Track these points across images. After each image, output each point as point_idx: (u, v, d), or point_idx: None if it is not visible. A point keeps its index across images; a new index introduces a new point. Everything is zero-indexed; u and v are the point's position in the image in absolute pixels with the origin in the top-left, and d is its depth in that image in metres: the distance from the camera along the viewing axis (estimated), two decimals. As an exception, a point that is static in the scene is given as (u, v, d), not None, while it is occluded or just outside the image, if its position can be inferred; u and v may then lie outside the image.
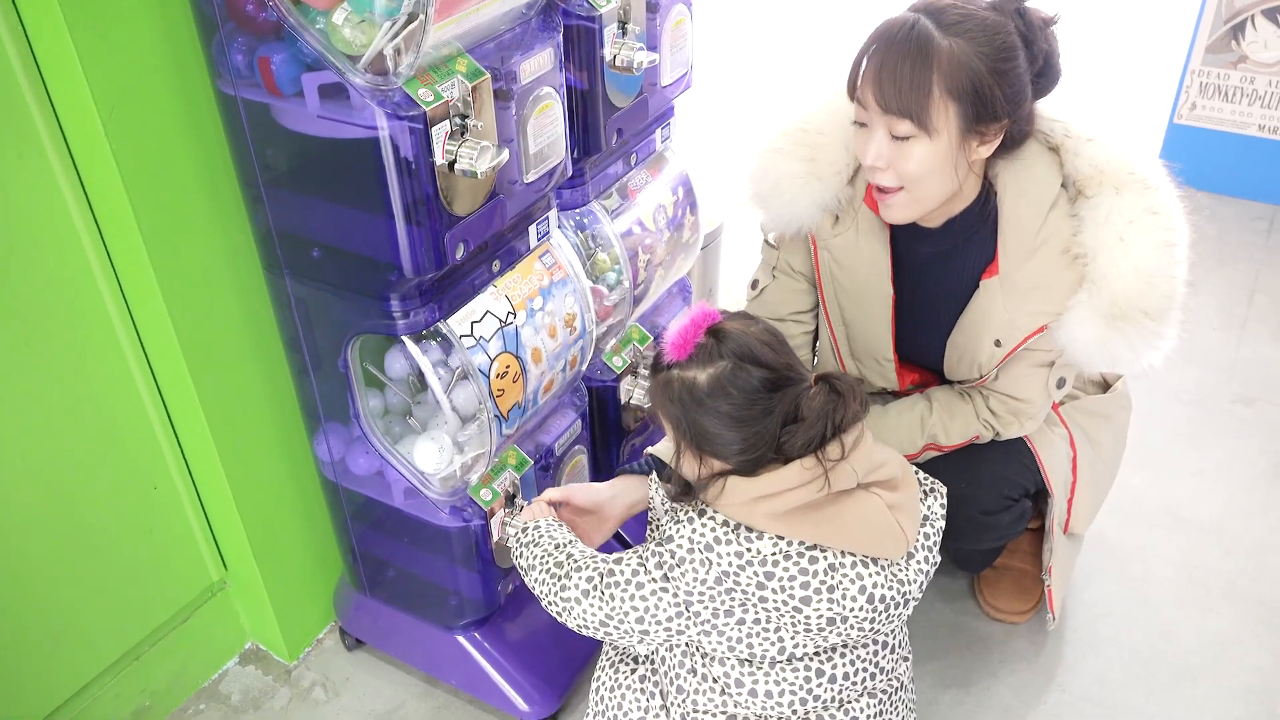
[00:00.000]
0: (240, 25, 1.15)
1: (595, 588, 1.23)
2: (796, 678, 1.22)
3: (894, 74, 1.27)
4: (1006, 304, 1.42)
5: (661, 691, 1.31)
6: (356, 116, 1.12)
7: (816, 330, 1.67)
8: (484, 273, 1.35)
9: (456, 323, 1.30)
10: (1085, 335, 1.37)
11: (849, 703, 1.26)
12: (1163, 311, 1.34)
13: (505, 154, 1.20)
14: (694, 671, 1.25)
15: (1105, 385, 1.73)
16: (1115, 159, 1.36)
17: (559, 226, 1.50)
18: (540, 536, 1.32)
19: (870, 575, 1.17)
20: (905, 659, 1.33)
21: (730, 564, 1.15)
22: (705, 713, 1.26)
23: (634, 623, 1.21)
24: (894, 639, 1.28)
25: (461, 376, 1.35)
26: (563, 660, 1.62)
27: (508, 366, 1.36)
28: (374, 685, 1.71)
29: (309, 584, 1.74)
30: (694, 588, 1.17)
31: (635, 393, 1.73)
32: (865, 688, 1.26)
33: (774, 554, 1.15)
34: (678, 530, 1.18)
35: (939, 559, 1.26)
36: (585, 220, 1.59)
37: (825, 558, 1.16)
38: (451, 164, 1.16)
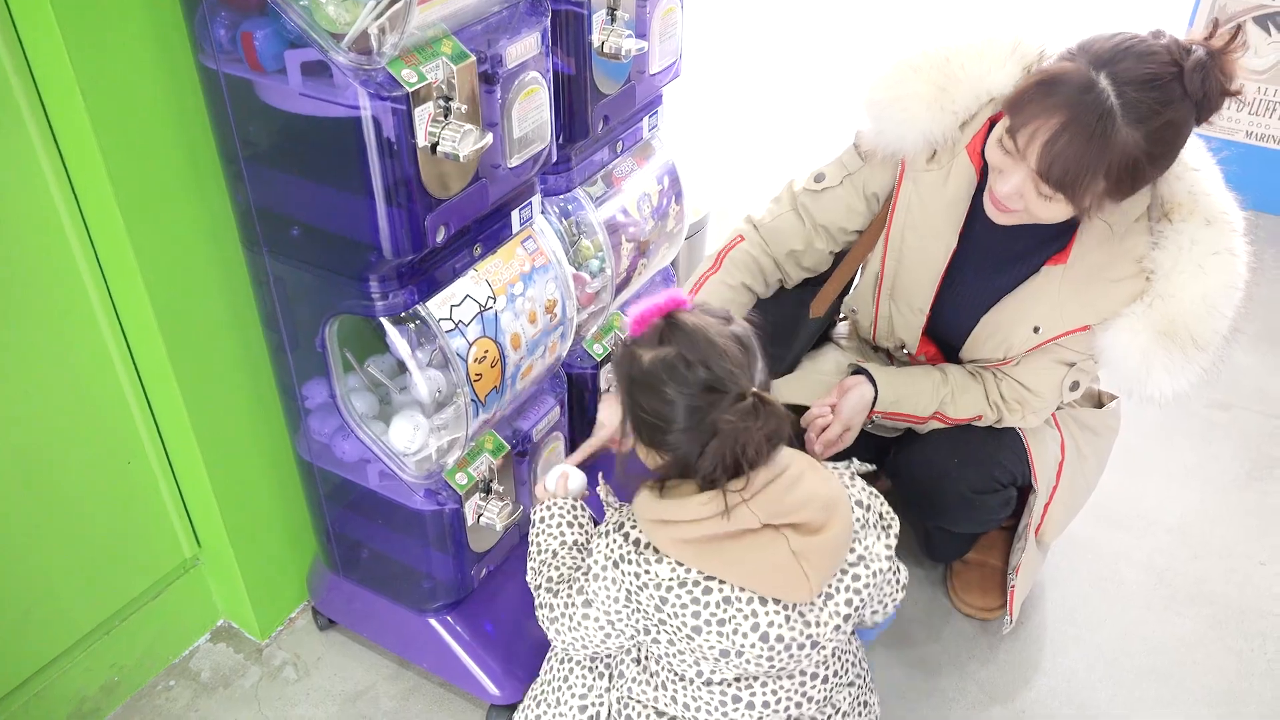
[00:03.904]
0: (224, -1, 1.14)
1: (552, 624, 1.27)
2: (713, 700, 1.21)
3: (1065, 156, 1.24)
4: (1062, 293, 1.45)
5: (612, 674, 1.32)
6: (339, 95, 1.11)
7: (836, 257, 1.67)
8: (465, 256, 1.35)
9: (435, 306, 1.30)
10: (1131, 345, 1.40)
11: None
12: (1208, 345, 1.38)
13: (488, 138, 1.19)
14: (636, 661, 1.26)
15: (1098, 402, 1.75)
16: (1214, 194, 1.39)
17: (542, 212, 1.50)
18: (534, 544, 1.34)
19: (768, 614, 1.13)
20: (851, 684, 1.29)
21: (631, 584, 1.16)
22: (638, 702, 1.26)
23: (588, 648, 1.25)
24: (824, 670, 1.24)
25: (440, 360, 1.34)
26: (534, 645, 1.62)
27: (486, 351, 1.35)
28: (345, 666, 1.71)
29: (282, 563, 1.73)
30: (610, 607, 1.19)
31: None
32: (790, 715, 1.23)
33: (670, 579, 1.13)
34: (596, 544, 1.19)
35: (899, 593, 1.28)
36: (569, 207, 1.58)
37: (720, 590, 1.13)
38: (434, 146, 1.16)
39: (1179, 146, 1.30)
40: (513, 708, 1.59)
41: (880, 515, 1.24)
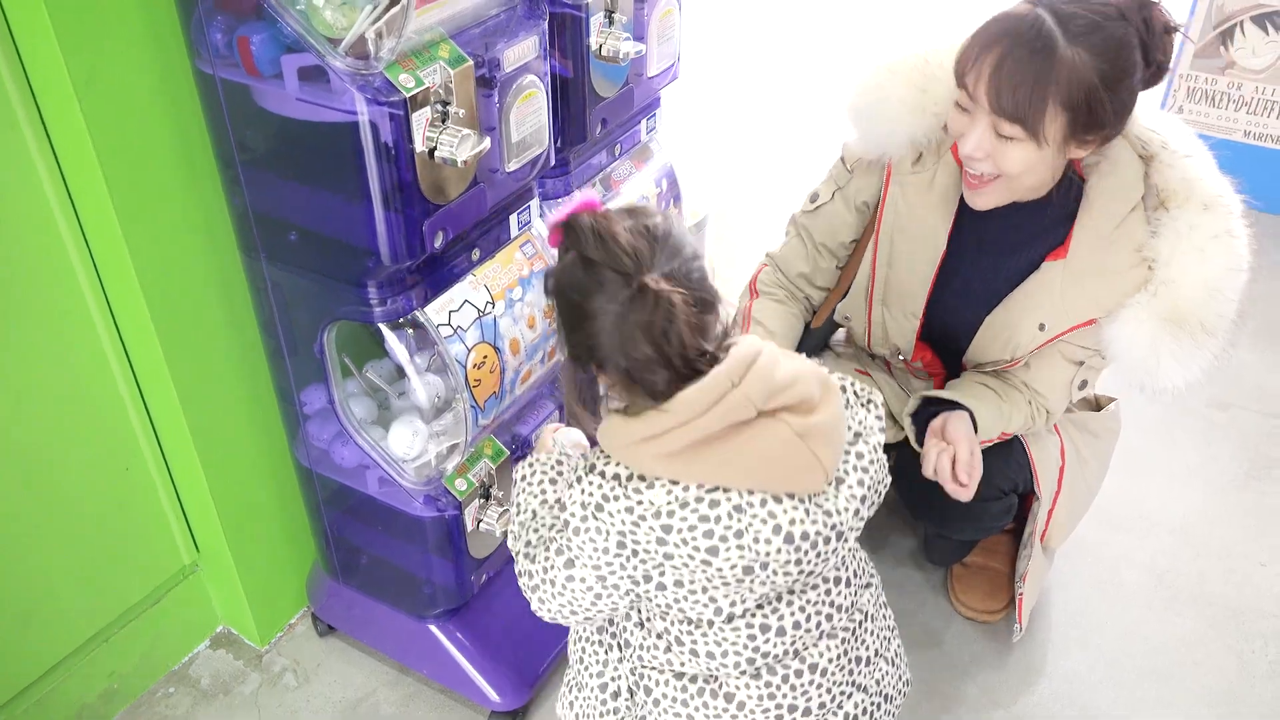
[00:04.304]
0: (220, 4, 1.13)
1: (534, 593, 1.16)
2: (739, 637, 1.10)
3: (1012, 78, 1.25)
4: (1065, 288, 1.44)
5: (620, 644, 1.23)
6: (336, 100, 1.11)
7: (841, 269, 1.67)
8: (463, 261, 1.34)
9: (434, 311, 1.30)
10: (1137, 335, 1.39)
11: (806, 649, 1.14)
12: (1216, 330, 1.36)
13: (486, 142, 1.19)
14: (640, 625, 1.16)
15: (1097, 406, 1.75)
16: (1208, 179, 1.38)
17: (540, 215, 1.49)
18: (514, 505, 1.24)
19: (785, 512, 1.03)
20: (867, 585, 1.21)
21: (623, 522, 1.03)
22: (651, 668, 1.16)
23: (577, 614, 1.14)
24: (845, 571, 1.15)
25: (439, 364, 1.34)
26: (534, 652, 1.62)
27: (485, 357, 1.35)
28: (345, 672, 1.71)
29: (282, 569, 1.73)
30: (599, 561, 1.06)
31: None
32: (823, 630, 1.14)
33: (668, 503, 1.01)
34: (570, 495, 1.07)
35: (887, 477, 1.15)
36: (568, 210, 1.58)
37: (729, 499, 1.02)
38: (432, 151, 1.15)
39: (1131, 69, 1.28)
40: (514, 714, 1.59)
41: (856, 392, 1.15)
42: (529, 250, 1.44)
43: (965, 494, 1.44)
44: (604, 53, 1.42)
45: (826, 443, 1.03)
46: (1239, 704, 1.69)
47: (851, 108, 1.51)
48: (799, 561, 1.05)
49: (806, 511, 1.04)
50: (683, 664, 1.13)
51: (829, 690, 1.16)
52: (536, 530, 1.19)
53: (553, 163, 1.41)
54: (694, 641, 1.11)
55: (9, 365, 1.33)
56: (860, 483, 1.08)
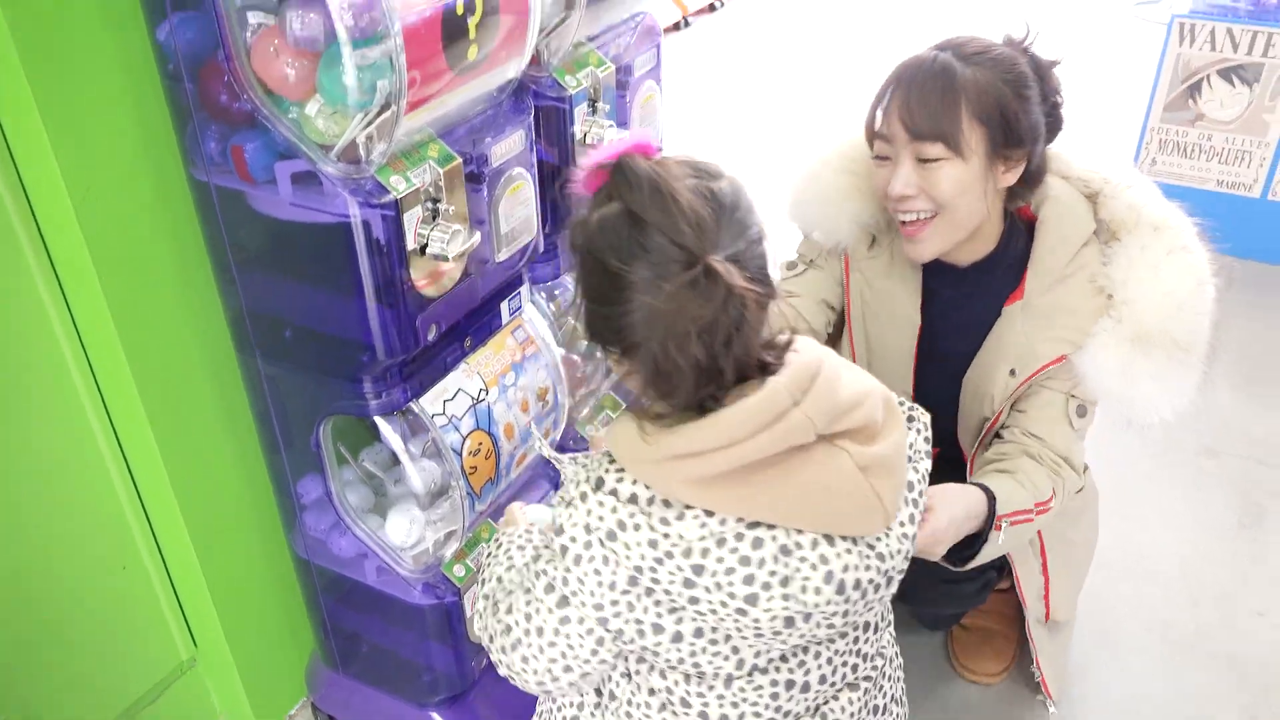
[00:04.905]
0: (213, 115, 1.16)
1: (514, 651, 0.96)
2: (760, 696, 0.93)
3: (922, 100, 1.31)
4: (1026, 329, 1.42)
5: (602, 691, 1.05)
6: (329, 204, 1.13)
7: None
8: (456, 350, 1.36)
9: (429, 402, 1.31)
10: (1108, 362, 1.36)
11: (827, 703, 0.99)
12: (1189, 345, 1.33)
13: (477, 237, 1.21)
14: (627, 677, 0.98)
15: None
16: (1153, 204, 1.39)
17: (531, 299, 1.51)
18: (479, 585, 1.09)
19: (839, 556, 0.87)
20: (889, 625, 1.08)
21: (642, 557, 0.85)
22: None
23: (572, 671, 0.94)
24: (875, 616, 1.01)
25: (434, 453, 1.35)
26: (538, 735, 1.61)
27: (480, 444, 1.36)
28: (346, 762, 1.69)
29: (280, 660, 1.71)
30: (603, 598, 0.87)
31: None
32: (846, 680, 1.00)
33: (701, 539, 0.85)
34: (569, 516, 0.88)
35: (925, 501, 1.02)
36: (556, 291, 1.60)
37: (774, 538, 0.85)
38: (423, 248, 1.18)
39: (1030, 83, 1.33)
40: (518, 800, 1.57)
41: (904, 410, 1.00)
42: (520, 335, 1.46)
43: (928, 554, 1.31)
44: (588, 141, 1.46)
45: (889, 477, 0.89)
46: (1246, 760, 1.69)
47: (794, 205, 1.54)
48: (845, 613, 0.90)
49: (861, 556, 0.88)
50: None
51: None
52: (508, 590, 1.01)
53: (542, 249, 1.44)
54: (704, 703, 0.94)
55: (6, 468, 1.33)
56: (911, 518, 0.94)
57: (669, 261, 0.82)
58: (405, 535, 1.38)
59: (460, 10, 1.11)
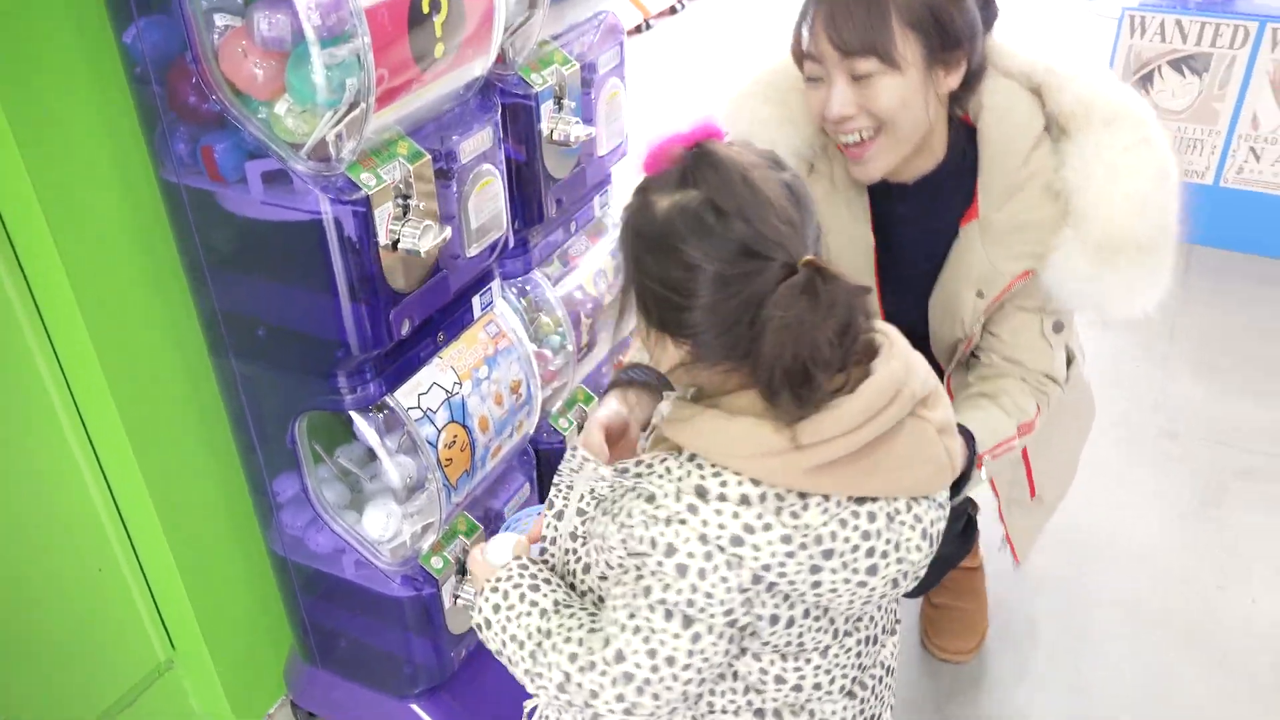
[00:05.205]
0: (182, 116, 1.17)
1: (642, 693, 0.89)
2: (849, 657, 0.96)
3: (848, 13, 1.22)
4: (987, 249, 1.35)
5: None
6: (300, 202, 1.14)
7: None
8: (429, 345, 1.38)
9: (404, 396, 1.33)
10: (1074, 274, 1.29)
11: (881, 651, 1.03)
12: (1156, 245, 1.26)
13: (448, 231, 1.23)
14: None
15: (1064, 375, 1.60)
16: (1104, 93, 1.30)
17: (501, 295, 1.53)
18: (508, 644, 0.98)
19: (927, 513, 0.92)
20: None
21: (772, 555, 0.84)
22: (722, 713, 0.97)
23: (689, 695, 0.91)
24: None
25: (409, 449, 1.36)
26: (518, 725, 1.63)
27: (455, 436, 1.38)
28: (328, 759, 1.70)
29: (258, 659, 1.72)
30: (731, 602, 0.86)
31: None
32: (889, 629, 1.04)
33: (825, 523, 0.85)
34: (676, 534, 0.84)
35: None
36: (527, 287, 1.62)
37: (881, 509, 0.88)
38: (395, 243, 1.19)
39: None
40: (500, 790, 1.59)
41: None
42: (492, 330, 1.48)
43: None
44: (555, 137, 1.48)
45: (954, 436, 0.93)
46: (1209, 729, 1.74)
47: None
48: (925, 566, 0.94)
49: (937, 509, 0.94)
50: (766, 700, 0.96)
51: (893, 690, 1.07)
52: (578, 626, 0.93)
53: (512, 244, 1.46)
54: (800, 675, 0.94)
55: (-21, 474, 1.33)
56: None
57: (752, 257, 0.83)
58: (383, 529, 1.40)
59: (426, 8, 1.13)
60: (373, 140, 1.18)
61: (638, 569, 0.87)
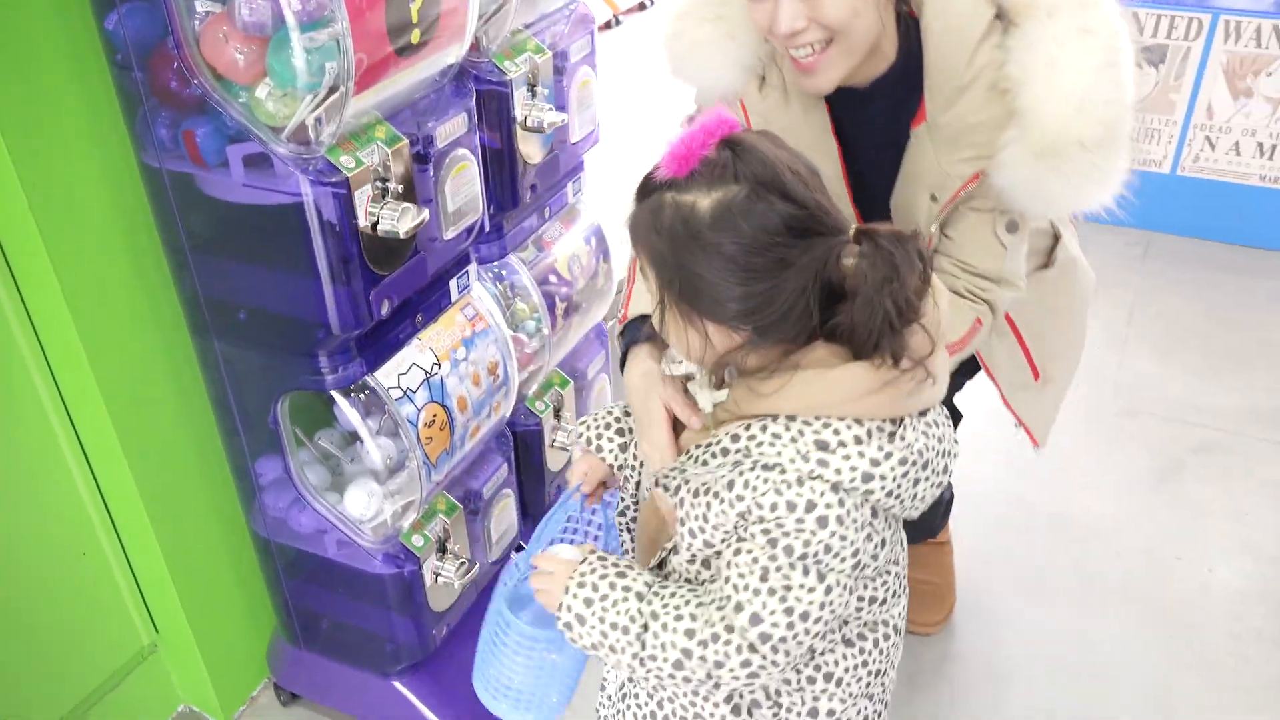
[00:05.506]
0: (163, 101, 1.20)
1: (777, 650, 0.92)
2: (894, 559, 1.00)
3: None
4: (937, 153, 1.30)
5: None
6: (281, 184, 1.17)
7: None
8: (408, 327, 1.41)
9: (384, 375, 1.36)
10: (1018, 177, 1.24)
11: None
12: (1101, 142, 1.20)
13: (425, 214, 1.26)
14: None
15: (1048, 256, 1.57)
16: None
17: (478, 279, 1.57)
18: (622, 631, 0.96)
19: (936, 427, 0.96)
20: None
21: (895, 483, 0.91)
22: (821, 654, 1.01)
23: (810, 646, 0.94)
24: None
25: (390, 431, 1.40)
26: (499, 699, 1.66)
27: (435, 415, 1.41)
28: (311, 739, 1.73)
29: (242, 642, 1.74)
30: (857, 542, 0.90)
31: (557, 437, 1.80)
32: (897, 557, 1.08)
33: (921, 439, 0.93)
34: (812, 490, 0.88)
35: None
36: (503, 272, 1.66)
37: (911, 430, 0.92)
38: (374, 225, 1.23)
39: None
40: (483, 763, 1.62)
41: None
42: (469, 312, 1.51)
43: None
44: (529, 124, 1.51)
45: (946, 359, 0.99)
46: (1174, 697, 1.79)
47: (672, 68, 1.42)
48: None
49: (939, 417, 0.99)
50: (850, 628, 1.01)
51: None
52: (684, 603, 0.95)
53: (487, 229, 1.49)
54: (872, 590, 0.99)
55: (-37, 458, 1.35)
56: None
57: (805, 236, 0.87)
58: (364, 508, 1.43)
59: (402, -5, 1.16)
60: (351, 124, 1.21)
61: (766, 534, 0.89)
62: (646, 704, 1.09)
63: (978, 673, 1.84)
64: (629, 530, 1.15)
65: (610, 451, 1.15)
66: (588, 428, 1.16)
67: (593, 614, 0.97)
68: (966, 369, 1.54)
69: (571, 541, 1.18)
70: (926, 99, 1.29)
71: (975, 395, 1.65)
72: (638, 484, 1.14)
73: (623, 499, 1.15)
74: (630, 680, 1.10)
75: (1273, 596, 1.98)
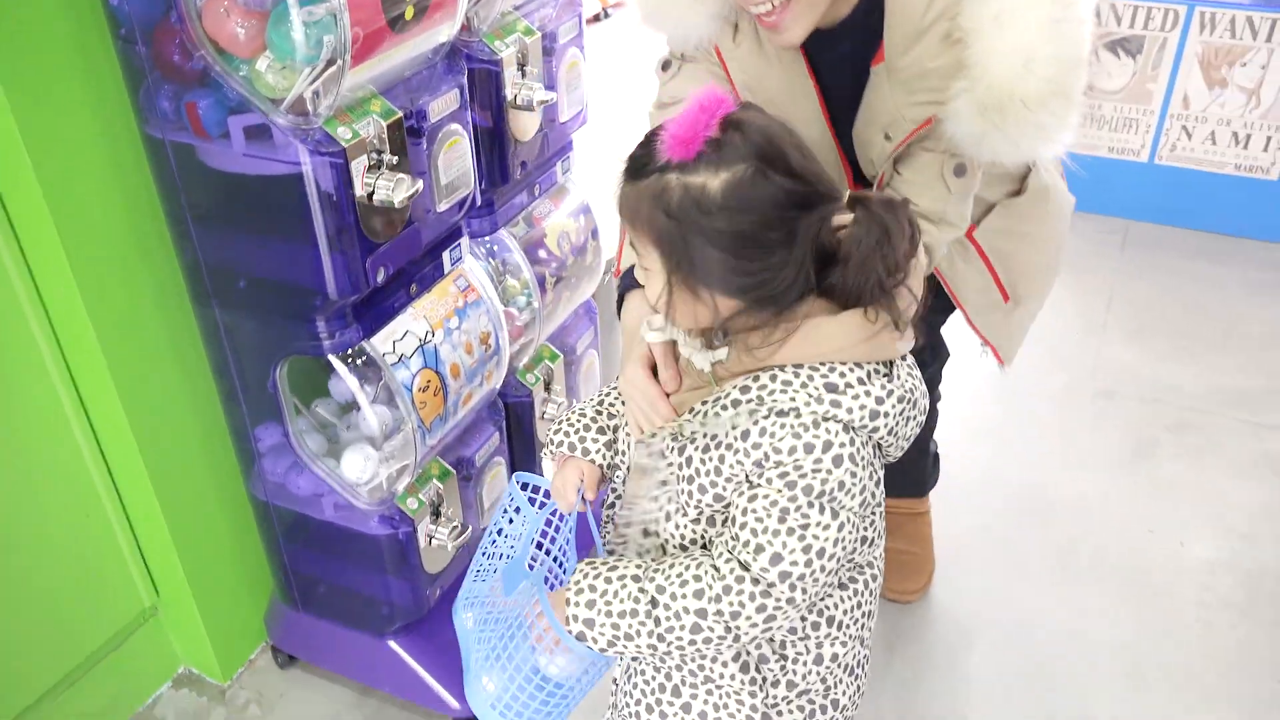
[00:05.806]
0: (166, 74, 1.25)
1: (794, 588, 0.95)
2: (879, 499, 1.05)
3: None
4: (893, 93, 1.31)
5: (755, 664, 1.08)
6: (281, 154, 1.22)
7: None
8: (402, 296, 1.46)
9: (380, 341, 1.41)
10: (965, 129, 1.24)
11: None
12: (1045, 100, 1.19)
13: (419, 184, 1.32)
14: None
15: (1020, 183, 1.55)
16: None
17: (471, 253, 1.62)
18: (654, 603, 0.98)
19: (915, 369, 1.03)
20: None
21: (895, 421, 0.97)
22: (819, 598, 1.05)
23: (825, 583, 0.99)
24: None
25: (385, 399, 1.45)
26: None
27: (429, 381, 1.46)
28: (308, 699, 1.77)
29: (241, 605, 1.79)
30: (863, 478, 0.96)
31: (547, 409, 1.86)
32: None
33: (910, 379, 1.00)
34: (827, 431, 0.93)
35: None
36: (495, 248, 1.71)
37: (904, 370, 0.99)
38: (370, 195, 1.28)
39: None
40: None
41: None
42: (461, 283, 1.56)
43: None
44: (519, 102, 1.57)
45: None
46: (1147, 667, 1.85)
47: (646, 20, 1.42)
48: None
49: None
50: (842, 572, 1.05)
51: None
52: (683, 569, 0.97)
53: (479, 203, 1.54)
54: (864, 530, 1.03)
55: (-29, 421, 1.40)
56: None
57: (810, 207, 0.91)
58: (360, 471, 1.48)
59: (397, -28, 1.21)
60: (348, 98, 1.26)
61: (784, 477, 0.93)
62: (654, 677, 1.11)
63: (955, 639, 1.90)
64: (613, 522, 1.15)
65: (598, 452, 1.14)
66: (566, 435, 1.15)
67: (598, 612, 0.99)
68: (947, 304, 1.57)
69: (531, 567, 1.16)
70: (885, 40, 1.30)
71: (956, 373, 1.71)
72: (624, 481, 1.14)
73: (614, 490, 1.18)
74: (644, 660, 1.11)
75: (1240, 567, 2.04)
